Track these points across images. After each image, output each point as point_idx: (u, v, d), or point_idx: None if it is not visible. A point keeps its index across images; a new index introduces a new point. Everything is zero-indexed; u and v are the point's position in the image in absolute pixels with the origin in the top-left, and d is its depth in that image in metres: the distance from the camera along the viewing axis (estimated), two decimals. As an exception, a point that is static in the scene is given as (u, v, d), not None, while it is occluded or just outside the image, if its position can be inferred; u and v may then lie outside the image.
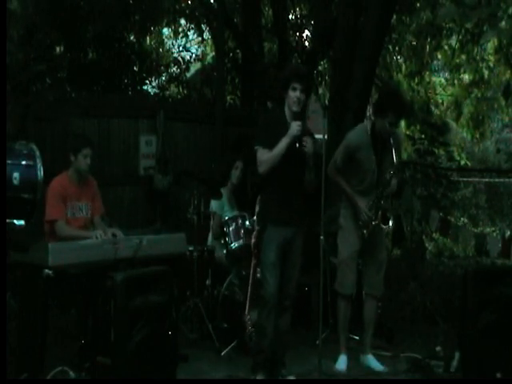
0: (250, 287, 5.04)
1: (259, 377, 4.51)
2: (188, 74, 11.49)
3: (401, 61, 11.20)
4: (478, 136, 11.84)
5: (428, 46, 10.39)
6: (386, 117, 4.72)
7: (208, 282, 5.66)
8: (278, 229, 4.45)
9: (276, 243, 4.44)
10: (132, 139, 7.75)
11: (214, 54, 11.55)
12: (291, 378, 4.58)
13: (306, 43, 10.84)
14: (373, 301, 5.03)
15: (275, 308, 4.48)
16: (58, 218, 4.54)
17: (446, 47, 10.63)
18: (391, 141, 4.75)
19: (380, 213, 4.82)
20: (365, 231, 4.83)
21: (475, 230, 12.65)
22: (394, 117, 4.75)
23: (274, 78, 8.11)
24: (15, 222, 3.90)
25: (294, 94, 4.43)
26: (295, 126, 4.34)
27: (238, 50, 10.53)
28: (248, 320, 5.06)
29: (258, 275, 4.79)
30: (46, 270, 3.92)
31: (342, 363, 4.90)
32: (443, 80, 12.43)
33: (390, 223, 4.90)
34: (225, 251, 5.59)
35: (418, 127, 10.51)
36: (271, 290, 4.43)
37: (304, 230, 4.59)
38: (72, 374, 4.08)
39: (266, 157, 4.39)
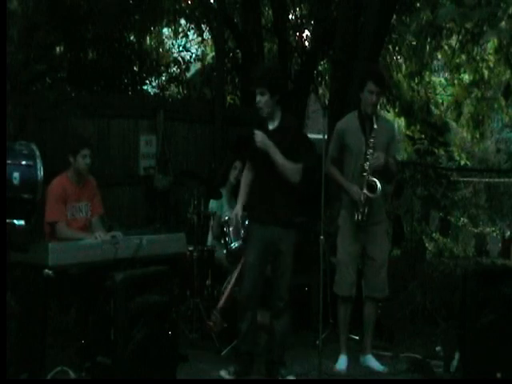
0: (230, 285, 5.07)
1: (231, 368, 4.56)
2: (188, 74, 11.48)
3: (401, 61, 11.20)
4: (477, 136, 11.82)
5: (428, 46, 10.38)
6: (365, 85, 4.74)
7: (208, 282, 5.66)
8: (259, 227, 4.47)
9: (258, 243, 4.45)
10: (132, 139, 7.74)
11: (214, 53, 11.53)
12: (291, 377, 4.58)
13: (306, 43, 10.84)
14: (372, 303, 5.01)
15: (252, 310, 4.51)
16: (58, 220, 4.55)
17: (446, 47, 10.63)
18: (374, 120, 4.73)
19: (365, 183, 4.69)
20: (359, 216, 4.73)
21: (475, 230, 12.63)
22: (373, 83, 4.74)
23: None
24: (15, 221, 3.89)
25: (257, 99, 4.45)
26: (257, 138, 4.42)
27: (238, 50, 10.53)
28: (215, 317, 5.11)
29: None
30: (46, 270, 3.93)
31: (342, 363, 4.90)
32: (443, 80, 12.43)
33: (378, 189, 4.67)
34: (225, 251, 5.58)
35: (418, 127, 10.51)
36: (245, 291, 4.46)
37: (293, 230, 4.56)
38: (72, 374, 4.09)
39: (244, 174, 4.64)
